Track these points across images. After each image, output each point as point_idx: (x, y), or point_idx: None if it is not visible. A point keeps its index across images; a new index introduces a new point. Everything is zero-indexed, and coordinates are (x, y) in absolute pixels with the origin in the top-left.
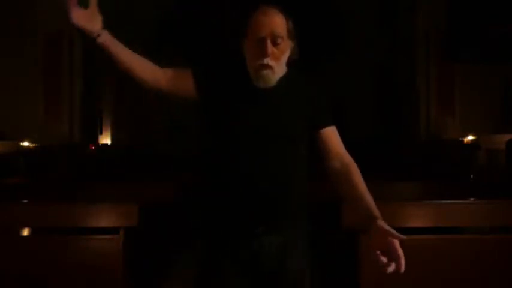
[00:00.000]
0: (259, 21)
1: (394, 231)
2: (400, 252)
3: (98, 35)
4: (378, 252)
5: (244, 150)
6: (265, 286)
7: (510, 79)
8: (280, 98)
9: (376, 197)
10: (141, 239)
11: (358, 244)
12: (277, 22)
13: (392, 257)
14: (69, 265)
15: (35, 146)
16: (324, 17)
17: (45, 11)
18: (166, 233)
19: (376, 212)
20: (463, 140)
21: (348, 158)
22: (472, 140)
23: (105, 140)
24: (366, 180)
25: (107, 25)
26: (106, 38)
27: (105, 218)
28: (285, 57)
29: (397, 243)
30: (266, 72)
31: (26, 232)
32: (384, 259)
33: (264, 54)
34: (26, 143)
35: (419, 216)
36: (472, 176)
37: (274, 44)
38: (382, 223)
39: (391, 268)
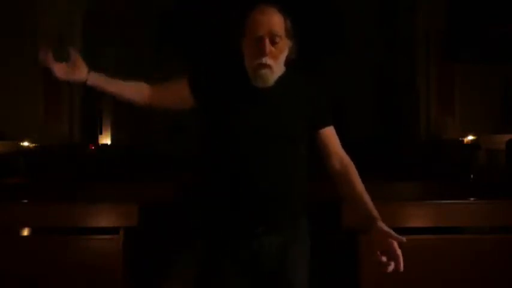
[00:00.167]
0: (257, 20)
1: (393, 233)
2: (399, 252)
3: (87, 80)
4: (379, 252)
5: (244, 150)
6: (265, 286)
7: (510, 79)
8: (279, 98)
9: (376, 197)
10: (141, 239)
11: (358, 244)
12: (276, 21)
13: (392, 256)
14: (69, 265)
15: (35, 146)
16: (324, 17)
17: (45, 11)
18: (166, 233)
19: (375, 213)
20: (463, 140)
21: (346, 159)
22: (472, 140)
23: (105, 140)
24: (366, 180)
25: (107, 25)
26: (94, 80)
27: (105, 218)
28: (283, 57)
29: (395, 243)
30: (264, 71)
31: (26, 232)
32: (384, 258)
33: (262, 53)
34: (26, 143)
35: (419, 216)
36: (472, 176)
37: (273, 43)
38: (381, 224)
39: (391, 267)
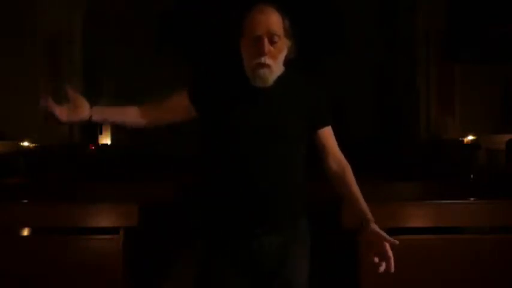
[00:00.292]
0: (255, 19)
1: (386, 235)
2: (390, 254)
3: (90, 117)
4: (372, 253)
5: (244, 150)
6: (265, 286)
7: (510, 79)
8: (278, 98)
9: (376, 197)
10: (141, 239)
11: (358, 244)
12: (274, 20)
13: (384, 258)
14: (69, 265)
15: (35, 146)
16: (324, 17)
17: (45, 11)
18: (166, 233)
19: (369, 215)
20: (463, 140)
21: (343, 160)
22: (472, 140)
23: (105, 140)
24: (366, 180)
25: (107, 25)
26: (97, 116)
27: (105, 218)
28: (282, 56)
29: (388, 245)
30: (263, 71)
31: (26, 232)
32: (376, 259)
33: (261, 52)
34: (26, 143)
35: (419, 216)
36: (472, 176)
37: (271, 42)
38: (375, 226)
39: (382, 268)
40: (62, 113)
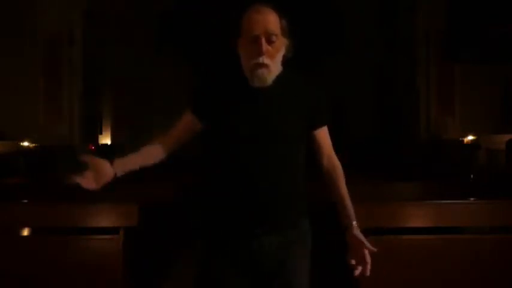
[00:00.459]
0: (252, 19)
1: (366, 242)
2: (369, 259)
3: (115, 175)
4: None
5: (244, 150)
6: (265, 286)
7: (510, 79)
8: (278, 98)
9: (376, 197)
10: (141, 239)
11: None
12: (271, 20)
13: (361, 262)
14: (69, 265)
15: (35, 146)
16: (324, 17)
17: (45, 11)
18: (166, 233)
19: (354, 220)
20: (463, 140)
21: (336, 161)
22: (472, 140)
23: (105, 140)
24: (366, 180)
25: (107, 25)
26: (120, 171)
27: (105, 218)
28: (280, 55)
29: (366, 251)
30: (262, 71)
31: (26, 232)
32: (353, 261)
33: (259, 52)
34: (26, 143)
35: (419, 216)
36: (472, 176)
37: (269, 42)
38: (357, 231)
39: (357, 272)
40: (88, 183)
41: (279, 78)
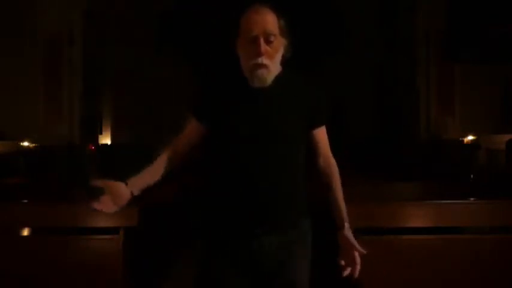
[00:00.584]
0: (251, 20)
1: (357, 245)
2: (358, 261)
3: (132, 195)
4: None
5: (244, 151)
6: (265, 286)
7: (510, 79)
8: (277, 98)
9: (376, 197)
10: (141, 239)
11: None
12: (269, 20)
13: (350, 264)
14: (69, 265)
15: (35, 146)
16: (324, 17)
17: (45, 11)
18: (166, 233)
19: (346, 222)
20: (463, 140)
21: (332, 161)
22: (472, 140)
23: (105, 140)
24: (366, 180)
25: (107, 25)
26: (136, 189)
27: (105, 218)
28: (279, 56)
29: (356, 254)
30: (261, 71)
31: (26, 232)
32: (342, 262)
33: (258, 53)
34: (26, 143)
35: (419, 216)
36: (472, 176)
37: (268, 42)
38: (348, 233)
39: (346, 272)
40: (107, 207)
41: (279, 78)
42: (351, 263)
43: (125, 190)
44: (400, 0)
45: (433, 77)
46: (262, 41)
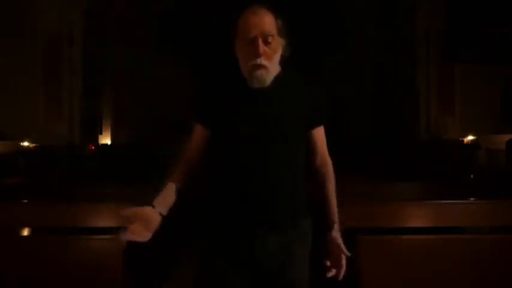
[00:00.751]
0: (249, 21)
1: (343, 248)
2: (344, 264)
3: (161, 216)
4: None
5: (244, 151)
6: (265, 286)
7: (510, 79)
8: (277, 98)
9: (376, 197)
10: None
11: (358, 244)
12: (267, 21)
13: (335, 265)
14: (69, 265)
15: (35, 146)
16: (324, 17)
17: (45, 11)
18: (166, 233)
19: (336, 224)
20: (463, 140)
21: (329, 161)
22: (472, 140)
23: (105, 140)
24: (366, 180)
25: (107, 25)
26: (164, 209)
27: (105, 218)
28: (277, 56)
29: (343, 256)
30: (260, 72)
31: (26, 232)
32: (328, 263)
33: (256, 54)
34: (26, 143)
35: (419, 216)
36: (472, 176)
37: (266, 43)
38: (336, 235)
39: (331, 274)
40: (141, 235)
41: (278, 78)
42: (336, 265)
43: (153, 213)
44: (400, 0)
45: (433, 77)
46: (260, 42)
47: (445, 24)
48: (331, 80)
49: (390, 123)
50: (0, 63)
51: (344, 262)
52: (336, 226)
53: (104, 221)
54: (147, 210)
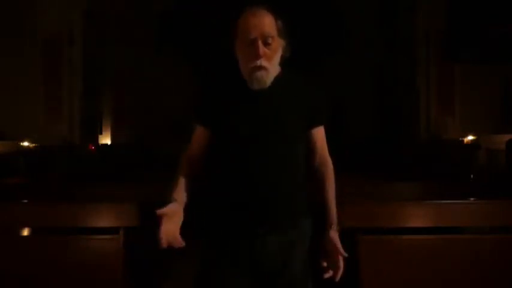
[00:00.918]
0: (248, 22)
1: (341, 249)
2: (341, 265)
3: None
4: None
5: (244, 151)
6: (266, 286)
7: (510, 79)
8: (277, 99)
9: (376, 197)
10: (141, 239)
11: (358, 244)
12: (267, 22)
13: (332, 266)
14: (69, 265)
15: (35, 146)
16: (324, 17)
17: (45, 11)
18: None
19: (334, 225)
20: (463, 140)
21: (329, 161)
22: (472, 140)
23: (105, 140)
24: (366, 180)
25: (107, 25)
26: (184, 203)
27: (105, 218)
28: (277, 57)
29: (340, 257)
30: (260, 73)
31: (26, 232)
32: (325, 263)
33: (256, 55)
34: (26, 143)
35: (419, 216)
36: (472, 176)
37: (266, 44)
38: (334, 235)
39: (327, 275)
40: (174, 237)
41: (278, 78)
42: (333, 265)
43: (178, 209)
44: (400, 0)
45: (433, 77)
46: (260, 43)
47: (445, 24)
48: (331, 80)
49: (390, 123)
50: (0, 63)
51: (341, 263)
52: (334, 226)
53: (104, 221)
54: (173, 208)
